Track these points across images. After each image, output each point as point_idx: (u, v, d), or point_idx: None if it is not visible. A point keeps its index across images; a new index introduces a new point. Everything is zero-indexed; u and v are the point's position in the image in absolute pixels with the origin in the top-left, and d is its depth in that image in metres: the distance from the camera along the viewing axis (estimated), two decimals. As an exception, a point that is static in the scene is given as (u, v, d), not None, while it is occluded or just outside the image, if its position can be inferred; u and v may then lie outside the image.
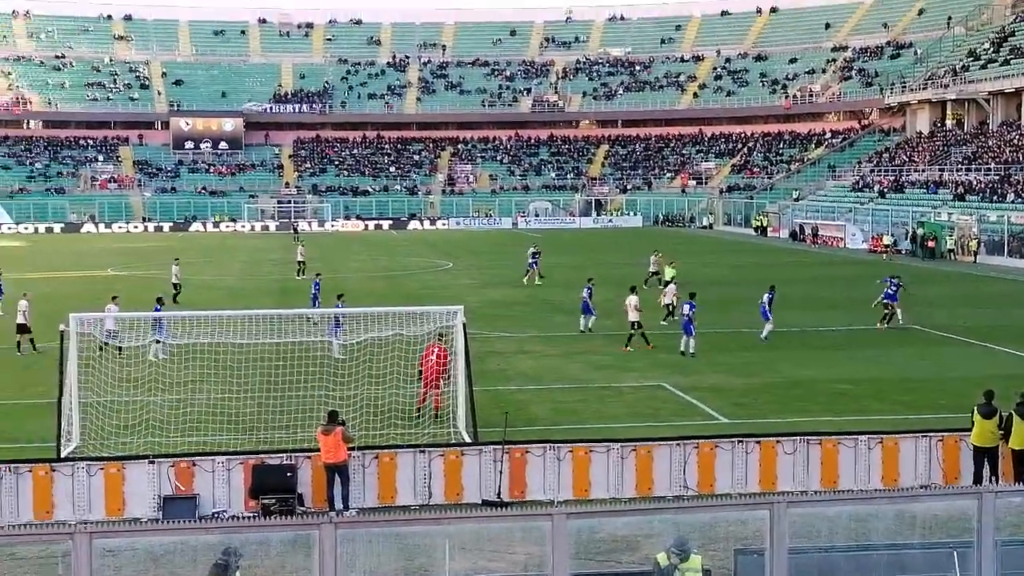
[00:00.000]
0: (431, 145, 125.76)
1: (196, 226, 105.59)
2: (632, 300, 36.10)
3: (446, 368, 25.24)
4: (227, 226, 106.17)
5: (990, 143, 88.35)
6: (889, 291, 39.36)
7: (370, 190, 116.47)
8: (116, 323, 28.90)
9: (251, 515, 19.30)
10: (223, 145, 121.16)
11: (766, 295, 37.98)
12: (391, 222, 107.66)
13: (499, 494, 20.28)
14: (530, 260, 55.84)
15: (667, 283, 43.28)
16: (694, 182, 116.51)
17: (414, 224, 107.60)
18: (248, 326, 28.75)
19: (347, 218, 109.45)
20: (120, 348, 29.22)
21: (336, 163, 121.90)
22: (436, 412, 25.24)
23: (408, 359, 26.56)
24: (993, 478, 20.12)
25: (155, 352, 30.51)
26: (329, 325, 29.88)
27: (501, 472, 20.33)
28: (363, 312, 27.74)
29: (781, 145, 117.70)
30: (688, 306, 34.64)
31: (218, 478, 19.94)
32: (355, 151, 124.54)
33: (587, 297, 39.11)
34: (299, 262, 58.73)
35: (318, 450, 19.99)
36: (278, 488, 19.64)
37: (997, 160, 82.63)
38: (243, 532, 9.91)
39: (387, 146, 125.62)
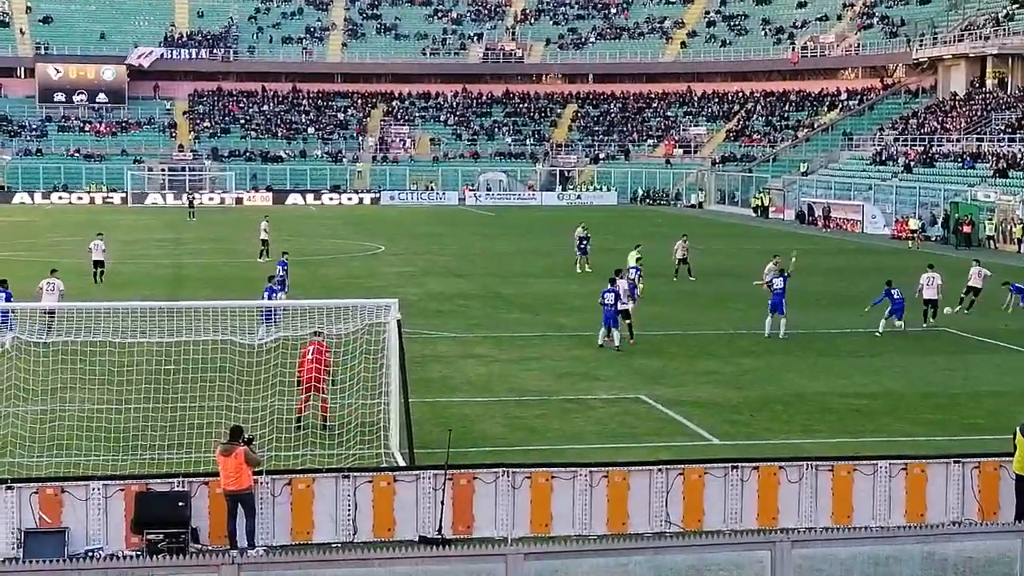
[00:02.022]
0: (359, 102, 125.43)
1: (65, 196, 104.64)
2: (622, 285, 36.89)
3: (328, 367, 25.77)
4: (106, 198, 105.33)
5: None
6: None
7: (284, 156, 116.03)
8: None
9: (134, 553, 19.17)
10: (102, 98, 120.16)
11: (779, 279, 38.27)
12: (310, 195, 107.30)
13: (440, 530, 20.28)
14: (579, 244, 56.37)
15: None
16: (681, 151, 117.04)
17: (337, 198, 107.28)
18: (133, 321, 28.52)
19: (255, 189, 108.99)
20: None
21: (242, 122, 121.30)
22: (324, 421, 25.67)
23: (335, 364, 26.51)
24: (1039, 513, 20.36)
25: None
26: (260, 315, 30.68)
27: (443, 503, 20.33)
28: (274, 306, 27.59)
29: (786, 107, 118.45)
30: (611, 291, 35.96)
31: (92, 508, 19.77)
32: (265, 108, 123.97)
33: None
34: (262, 240, 59.19)
35: (217, 475, 19.89)
36: (167, 521, 19.51)
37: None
38: (124, 575, 9.83)
39: (305, 102, 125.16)
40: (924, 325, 40.09)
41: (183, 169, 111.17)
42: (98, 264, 49.63)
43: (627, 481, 20.77)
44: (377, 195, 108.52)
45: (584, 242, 56.45)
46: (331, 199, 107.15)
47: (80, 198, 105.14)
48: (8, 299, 33.04)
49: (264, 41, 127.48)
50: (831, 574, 11.95)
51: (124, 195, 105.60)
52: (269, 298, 34.07)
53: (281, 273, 42.28)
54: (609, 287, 36.11)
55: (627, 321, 36.64)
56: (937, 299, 40.75)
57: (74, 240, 63.98)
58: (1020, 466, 20.56)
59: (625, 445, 25.30)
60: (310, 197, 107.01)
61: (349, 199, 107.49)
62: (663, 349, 36.62)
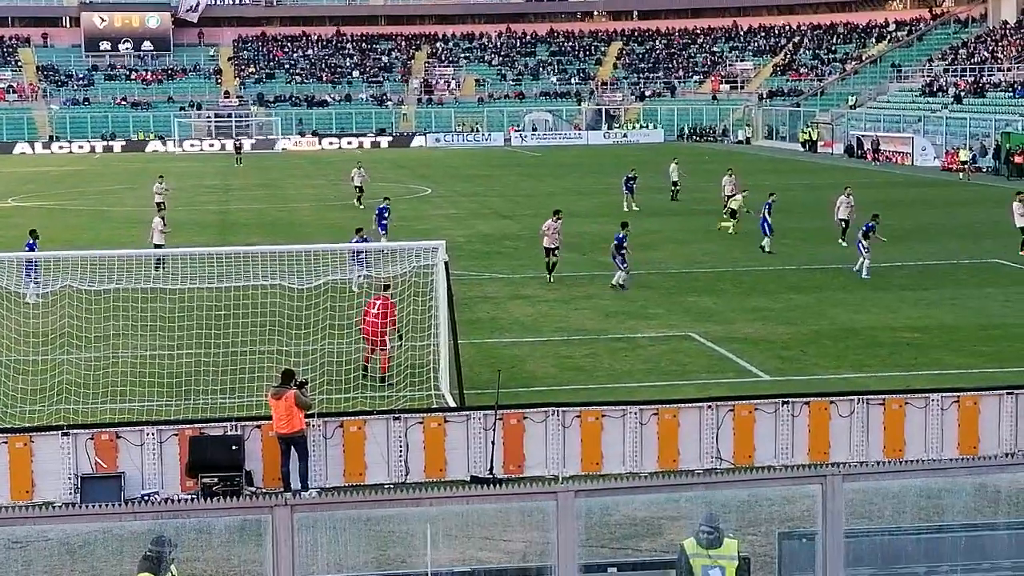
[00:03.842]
0: (403, 44, 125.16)
1: (115, 145, 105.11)
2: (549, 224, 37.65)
3: (394, 323, 25.56)
4: (154, 145, 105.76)
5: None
6: None
7: (329, 100, 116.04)
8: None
9: (189, 497, 19.37)
10: (147, 46, 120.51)
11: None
12: (356, 139, 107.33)
13: (491, 469, 20.38)
14: (626, 183, 57.03)
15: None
16: (727, 86, 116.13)
17: (383, 141, 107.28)
18: (182, 267, 28.74)
19: (301, 134, 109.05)
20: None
21: (286, 67, 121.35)
22: (383, 376, 25.43)
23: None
24: (1093, 444, 20.26)
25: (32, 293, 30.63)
26: (350, 259, 30.64)
27: (494, 443, 20.42)
28: (322, 249, 27.68)
29: (834, 39, 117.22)
30: (616, 238, 36.11)
31: (147, 453, 20.00)
32: (309, 52, 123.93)
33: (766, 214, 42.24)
34: (357, 187, 58.58)
35: (269, 418, 20.05)
36: (221, 464, 19.70)
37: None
38: (179, 518, 9.93)
39: (349, 46, 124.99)
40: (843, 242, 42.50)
41: (229, 115, 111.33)
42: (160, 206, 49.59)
43: (677, 418, 20.78)
44: (423, 138, 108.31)
45: (631, 181, 56.42)
46: (377, 142, 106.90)
47: (125, 146, 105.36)
48: (31, 250, 33.10)
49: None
50: (883, 507, 11.94)
51: (174, 142, 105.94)
52: (356, 250, 32.34)
53: (383, 219, 43.04)
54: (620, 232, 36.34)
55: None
56: (850, 220, 42.92)
57: (126, 188, 64.28)
58: (1074, 397, 20.44)
59: (675, 383, 25.30)
60: (358, 141, 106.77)
61: (395, 143, 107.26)
62: (713, 286, 36.54)
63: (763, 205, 42.74)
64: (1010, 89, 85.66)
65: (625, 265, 35.82)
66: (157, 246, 38.07)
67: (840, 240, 42.94)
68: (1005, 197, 47.44)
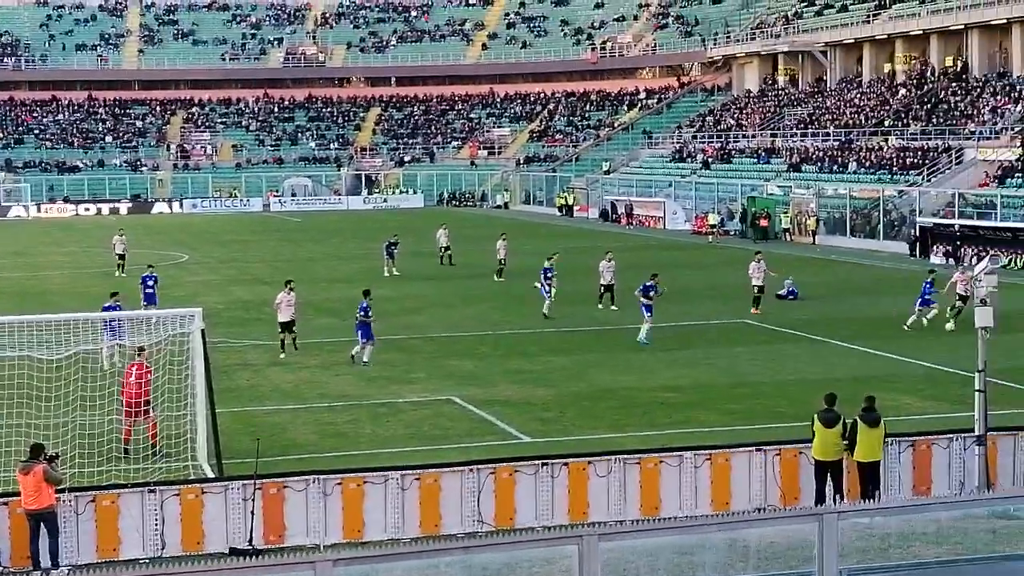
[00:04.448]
0: (158, 109, 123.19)
1: None
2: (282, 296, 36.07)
3: (148, 390, 24.96)
4: None
5: (828, 103, 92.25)
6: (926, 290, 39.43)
7: (81, 165, 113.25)
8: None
9: (-70, 581, 18.56)
10: None
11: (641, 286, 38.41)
12: (108, 205, 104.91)
13: (251, 540, 20.05)
14: (387, 248, 56.47)
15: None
16: (485, 152, 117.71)
17: (139, 208, 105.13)
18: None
19: (52, 201, 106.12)
20: None
21: (36, 132, 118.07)
22: (153, 445, 24.82)
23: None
24: (837, 496, 21.00)
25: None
26: (104, 328, 29.77)
27: (253, 513, 20.10)
28: (72, 318, 26.90)
29: (587, 107, 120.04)
30: (361, 308, 34.30)
31: None
32: (60, 117, 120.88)
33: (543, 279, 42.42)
34: (119, 255, 56.56)
35: (17, 494, 19.34)
36: (-35, 545, 18.91)
37: (837, 124, 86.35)
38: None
39: (102, 111, 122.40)
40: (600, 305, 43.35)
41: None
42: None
43: (439, 483, 20.79)
44: (179, 204, 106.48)
45: (393, 247, 56.44)
46: (131, 209, 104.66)
47: None
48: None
49: (57, 49, 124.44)
50: (638, 565, 12.13)
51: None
52: (111, 333, 31.20)
53: (150, 287, 41.57)
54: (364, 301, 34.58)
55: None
56: (612, 284, 43.73)
57: None
58: (818, 451, 21.19)
59: (438, 447, 25.33)
60: (109, 208, 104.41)
61: (151, 209, 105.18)
62: (474, 350, 36.78)
63: (540, 270, 42.92)
64: (754, 155, 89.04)
65: (371, 339, 34.23)
66: None
67: (599, 304, 43.69)
68: (751, 259, 49.10)
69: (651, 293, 37.64)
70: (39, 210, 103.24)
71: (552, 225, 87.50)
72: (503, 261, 53.41)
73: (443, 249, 59.37)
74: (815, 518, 11.91)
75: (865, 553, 13.25)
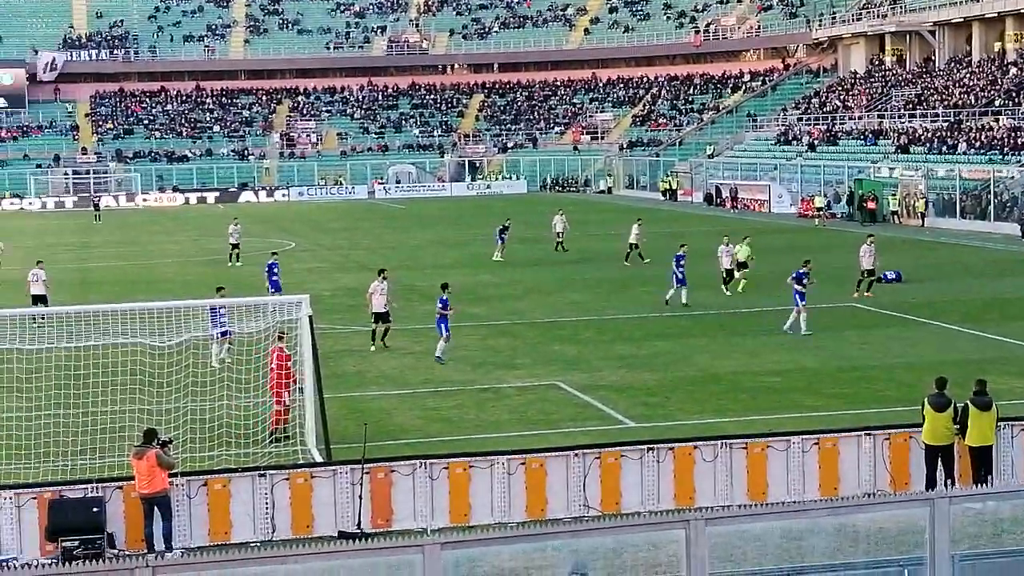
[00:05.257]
0: (264, 98, 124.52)
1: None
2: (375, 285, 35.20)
3: (289, 375, 25.07)
4: (10, 203, 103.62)
5: (936, 84, 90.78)
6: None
7: (189, 155, 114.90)
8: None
9: (49, 561, 18.93)
10: (1, 103, 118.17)
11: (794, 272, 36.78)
12: (217, 194, 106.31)
13: (359, 524, 20.23)
14: (499, 233, 56.57)
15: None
16: (588, 137, 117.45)
17: (246, 196, 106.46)
18: (41, 327, 28.14)
19: (161, 190, 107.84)
20: None
21: (145, 123, 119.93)
22: (273, 430, 25.05)
23: (244, 362, 26.32)
24: (948, 481, 20.71)
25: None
26: (212, 318, 29.69)
27: (361, 497, 20.28)
28: (183, 306, 27.35)
29: (691, 90, 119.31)
30: (440, 301, 32.97)
31: (5, 517, 19.52)
32: (168, 107, 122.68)
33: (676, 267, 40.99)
34: (232, 245, 56.60)
35: (132, 478, 19.71)
36: (82, 527, 19.29)
37: (945, 104, 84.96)
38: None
39: (209, 100, 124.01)
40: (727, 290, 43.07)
41: (88, 172, 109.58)
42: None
43: (544, 468, 20.84)
44: (286, 192, 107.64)
45: (504, 231, 56.47)
46: (240, 197, 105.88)
47: (11, 203, 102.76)
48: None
49: (165, 40, 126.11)
50: (746, 550, 12.08)
51: (30, 200, 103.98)
52: (214, 322, 30.15)
53: (274, 275, 41.87)
54: (442, 294, 33.13)
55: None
56: (731, 268, 43.61)
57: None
58: (928, 436, 20.91)
59: (542, 432, 25.37)
60: (218, 196, 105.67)
61: (258, 196, 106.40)
62: (578, 335, 36.77)
63: (673, 257, 41.41)
64: (861, 137, 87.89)
65: (447, 334, 32.78)
66: (36, 297, 39.12)
67: (724, 287, 43.20)
68: (859, 242, 48.48)
69: (804, 280, 36.05)
70: (145, 200, 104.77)
71: (657, 209, 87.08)
72: (635, 245, 52.92)
73: (559, 235, 58.63)
74: (926, 503, 11.77)
75: (977, 539, 13.08)
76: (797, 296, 35.84)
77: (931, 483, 20.67)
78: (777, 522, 11.52)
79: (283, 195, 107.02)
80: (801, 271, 36.41)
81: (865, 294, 41.96)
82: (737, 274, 44.07)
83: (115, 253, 64.20)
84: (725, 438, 21.76)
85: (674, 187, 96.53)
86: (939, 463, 20.89)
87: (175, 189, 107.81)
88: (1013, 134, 73.42)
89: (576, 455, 21.03)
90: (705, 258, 45.36)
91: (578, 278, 48.69)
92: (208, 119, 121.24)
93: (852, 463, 21.54)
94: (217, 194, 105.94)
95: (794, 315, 35.86)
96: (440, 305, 32.98)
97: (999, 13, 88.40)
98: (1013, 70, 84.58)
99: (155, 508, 19.50)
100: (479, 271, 52.03)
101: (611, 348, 34.53)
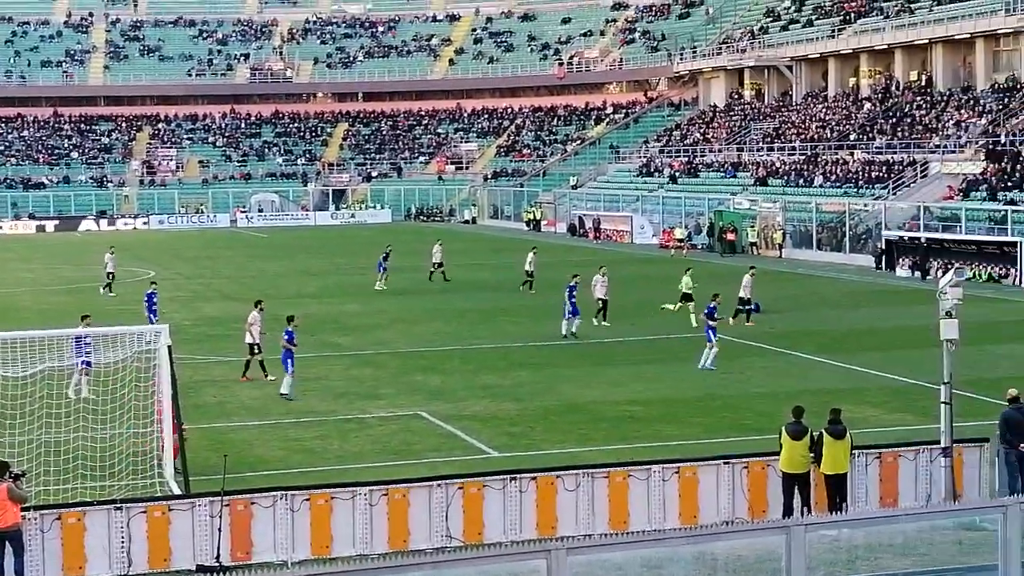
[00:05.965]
0: (123, 125, 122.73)
1: None
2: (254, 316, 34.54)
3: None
4: None
5: (794, 117, 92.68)
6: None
7: (46, 182, 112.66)
8: None
9: None
10: None
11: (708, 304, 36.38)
12: (75, 221, 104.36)
13: (218, 557, 19.96)
14: (380, 262, 56.21)
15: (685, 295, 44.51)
16: (453, 167, 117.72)
17: (103, 224, 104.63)
18: None
19: (16, 218, 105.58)
20: None
21: (1, 149, 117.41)
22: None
23: (101, 392, 25.83)
24: (805, 508, 21.06)
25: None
26: (75, 346, 28.96)
27: (220, 530, 20.00)
28: (39, 336, 26.75)
29: (555, 122, 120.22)
30: (286, 334, 32.02)
31: None
32: (25, 133, 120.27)
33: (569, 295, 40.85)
34: (109, 273, 55.48)
35: (-17, 513, 19.21)
36: (-70, 564, 18.78)
37: (802, 137, 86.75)
38: None
39: (67, 126, 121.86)
40: (595, 321, 42.72)
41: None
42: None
43: (407, 498, 20.75)
44: (146, 220, 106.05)
45: (385, 260, 56.08)
46: (97, 225, 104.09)
47: None
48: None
49: (22, 65, 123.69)
50: (607, 579, 12.15)
51: None
52: (78, 352, 29.35)
53: (155, 303, 41.80)
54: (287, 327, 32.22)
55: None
56: (607, 299, 43.35)
57: None
58: (785, 464, 21.26)
59: (405, 462, 25.30)
60: (75, 223, 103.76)
61: (116, 224, 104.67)
62: (442, 365, 36.74)
63: (565, 287, 41.35)
64: (721, 169, 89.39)
65: (292, 370, 31.75)
66: None
67: (593, 319, 43.06)
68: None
69: (715, 315, 35.71)
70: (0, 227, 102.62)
71: (521, 240, 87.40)
72: (530, 274, 52.93)
73: (436, 265, 57.77)
74: (783, 531, 11.94)
75: (833, 565, 13.32)
76: (710, 331, 35.35)
77: (788, 511, 21.00)
78: (637, 551, 11.61)
79: (142, 223, 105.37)
80: (712, 305, 35.81)
81: (746, 323, 42.59)
82: (681, 305, 43.85)
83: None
84: (587, 467, 21.87)
85: (538, 217, 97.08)
86: (796, 491, 21.25)
87: (31, 216, 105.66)
88: (867, 167, 75.22)
89: (439, 485, 20.98)
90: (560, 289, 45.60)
91: (444, 308, 48.72)
92: (66, 146, 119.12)
93: (711, 491, 21.79)
94: (57, 222, 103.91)
95: (707, 351, 35.36)
96: (286, 338, 31.97)
97: (854, 49, 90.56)
98: (867, 105, 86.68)
99: (7, 543, 19.01)
100: (344, 300, 51.78)
101: (475, 378, 34.56)
